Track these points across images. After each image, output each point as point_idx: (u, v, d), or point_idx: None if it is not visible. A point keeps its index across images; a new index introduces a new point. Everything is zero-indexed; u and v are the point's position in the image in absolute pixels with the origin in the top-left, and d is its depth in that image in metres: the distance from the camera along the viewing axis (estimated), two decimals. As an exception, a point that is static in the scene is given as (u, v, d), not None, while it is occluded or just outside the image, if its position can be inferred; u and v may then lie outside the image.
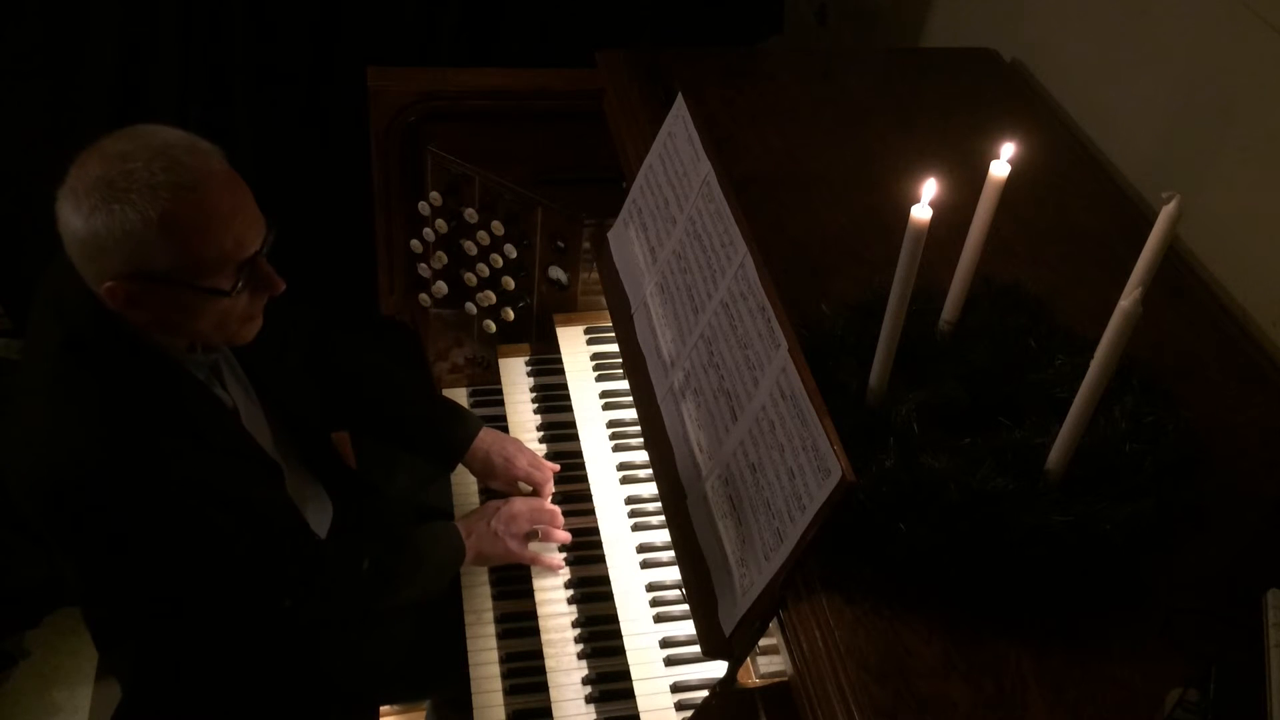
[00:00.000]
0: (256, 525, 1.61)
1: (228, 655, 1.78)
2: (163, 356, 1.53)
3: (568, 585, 1.91)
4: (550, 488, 2.01)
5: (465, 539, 1.85)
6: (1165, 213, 1.22)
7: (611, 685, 1.76)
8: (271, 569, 1.65)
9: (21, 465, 1.50)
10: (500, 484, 2.01)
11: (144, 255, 1.40)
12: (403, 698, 2.26)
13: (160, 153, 1.41)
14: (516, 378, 2.25)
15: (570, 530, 1.97)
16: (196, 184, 1.42)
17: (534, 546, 1.91)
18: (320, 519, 1.94)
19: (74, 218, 1.40)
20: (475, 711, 1.81)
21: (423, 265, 2.43)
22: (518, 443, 2.03)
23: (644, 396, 1.68)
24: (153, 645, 1.76)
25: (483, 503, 2.07)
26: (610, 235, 1.89)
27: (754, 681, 1.49)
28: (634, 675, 1.70)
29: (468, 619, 1.91)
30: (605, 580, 1.82)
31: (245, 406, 1.70)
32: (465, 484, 2.11)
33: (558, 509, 1.95)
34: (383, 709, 2.28)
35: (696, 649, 1.47)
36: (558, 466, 2.05)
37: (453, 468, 2.04)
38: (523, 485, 2.01)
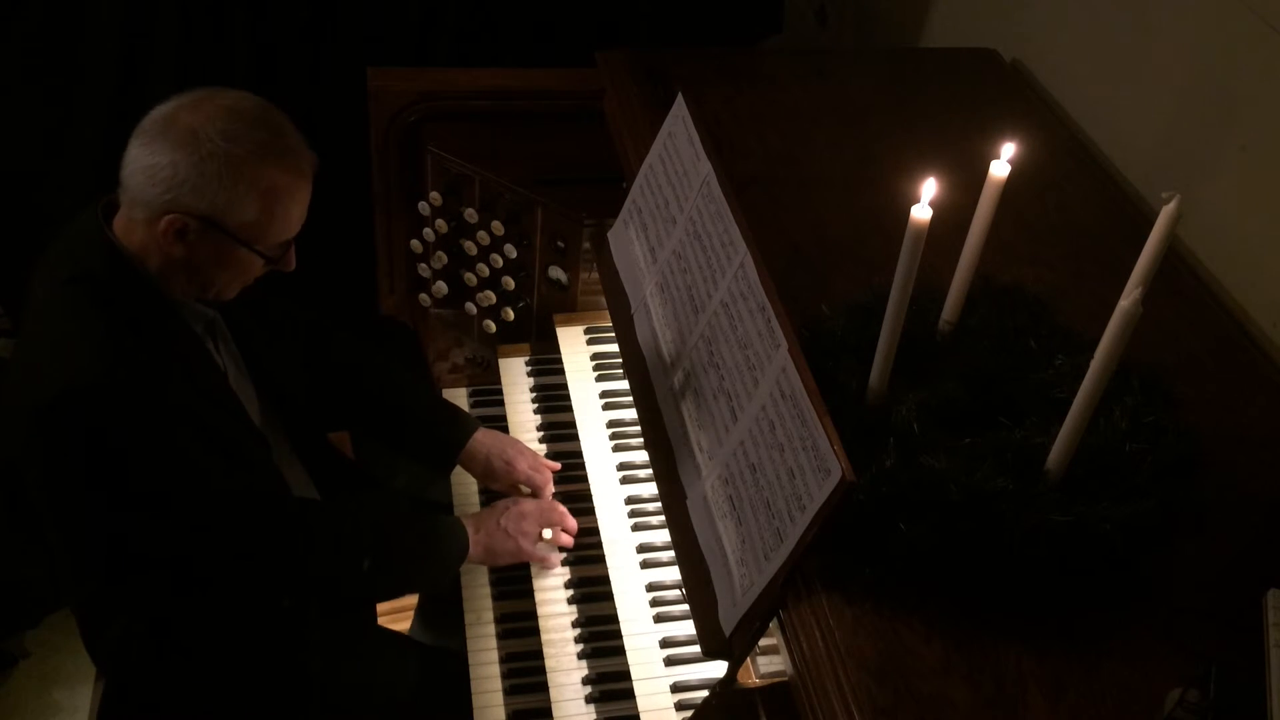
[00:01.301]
0: (242, 470, 1.64)
1: (217, 645, 1.76)
2: (166, 303, 1.59)
3: (568, 585, 1.91)
4: (550, 490, 2.01)
5: (473, 534, 1.84)
6: (1165, 213, 1.22)
7: (611, 685, 1.76)
8: (257, 524, 1.66)
9: (20, 389, 1.54)
10: (501, 487, 2.01)
11: (230, 206, 1.51)
12: (404, 704, 2.26)
13: (280, 128, 1.56)
14: (516, 378, 2.25)
15: (570, 530, 1.98)
16: (303, 171, 1.58)
17: (540, 547, 1.91)
18: None
19: (177, 150, 1.48)
20: (475, 711, 1.80)
21: (423, 265, 2.43)
22: (518, 445, 2.03)
23: (644, 396, 1.67)
24: (138, 631, 1.74)
25: (483, 503, 2.07)
26: (610, 235, 1.90)
27: (754, 681, 1.49)
28: (634, 675, 1.70)
29: (468, 619, 1.90)
30: (605, 580, 1.82)
31: (234, 376, 1.73)
32: (465, 484, 2.11)
33: (566, 510, 1.95)
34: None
35: (696, 649, 1.47)
36: (558, 465, 2.05)
37: (449, 470, 2.03)
38: (523, 487, 2.01)
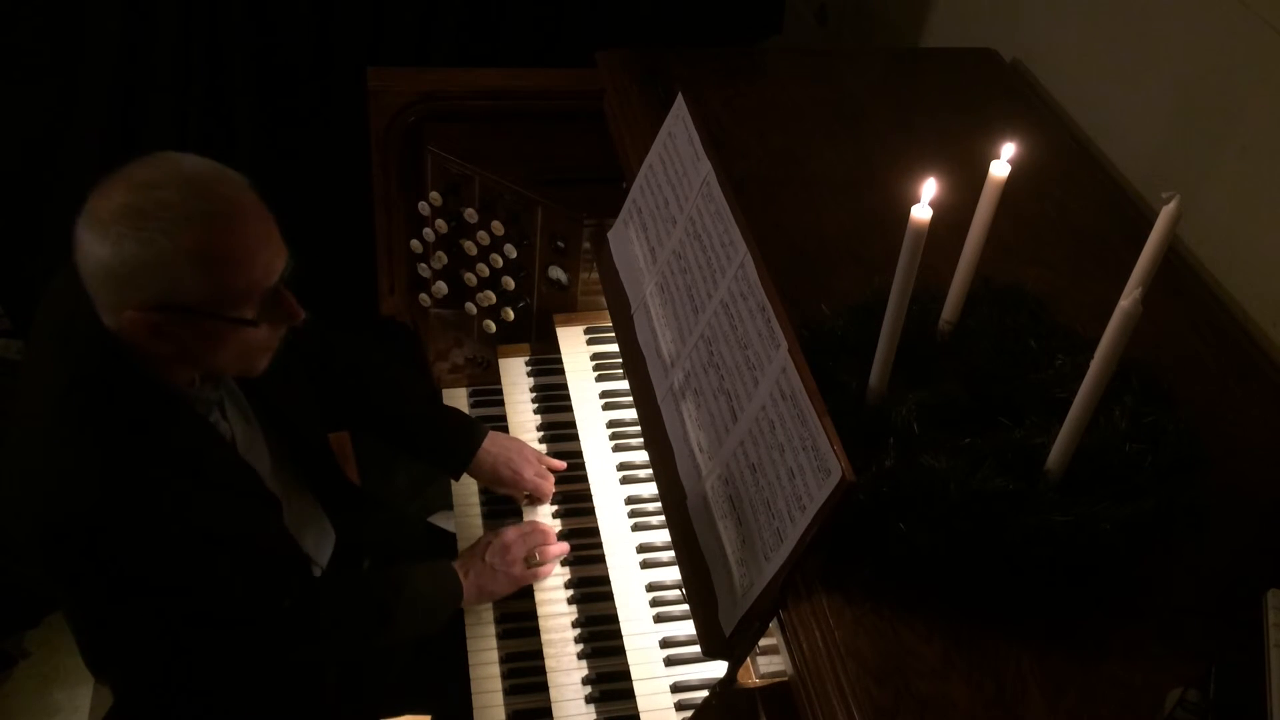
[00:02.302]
0: (252, 563, 1.59)
1: (218, 675, 1.76)
2: (166, 392, 1.50)
3: (568, 585, 1.91)
4: (551, 494, 2.01)
5: (463, 579, 1.84)
6: (1165, 213, 1.22)
7: (611, 685, 1.76)
8: (267, 606, 1.63)
9: (17, 503, 1.47)
10: (505, 493, 2.02)
11: (173, 286, 1.38)
12: (402, 710, 2.26)
13: (190, 181, 1.39)
14: (516, 378, 2.25)
15: (570, 530, 1.98)
16: (231, 214, 1.40)
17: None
18: (322, 545, 1.93)
19: (98, 246, 1.36)
20: (475, 711, 1.81)
21: (423, 265, 2.43)
22: (524, 452, 2.02)
23: (644, 396, 1.67)
24: (147, 674, 1.75)
25: (482, 504, 2.08)
26: (610, 235, 1.89)
27: (754, 681, 1.49)
28: (634, 675, 1.70)
29: (468, 619, 1.90)
30: (605, 580, 1.82)
31: (244, 434, 1.67)
32: (465, 484, 2.10)
33: (549, 528, 1.94)
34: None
35: (696, 649, 1.47)
36: (564, 465, 2.05)
37: (458, 477, 2.03)
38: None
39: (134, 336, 1.42)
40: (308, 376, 1.88)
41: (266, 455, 1.73)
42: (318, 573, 1.90)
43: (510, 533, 1.89)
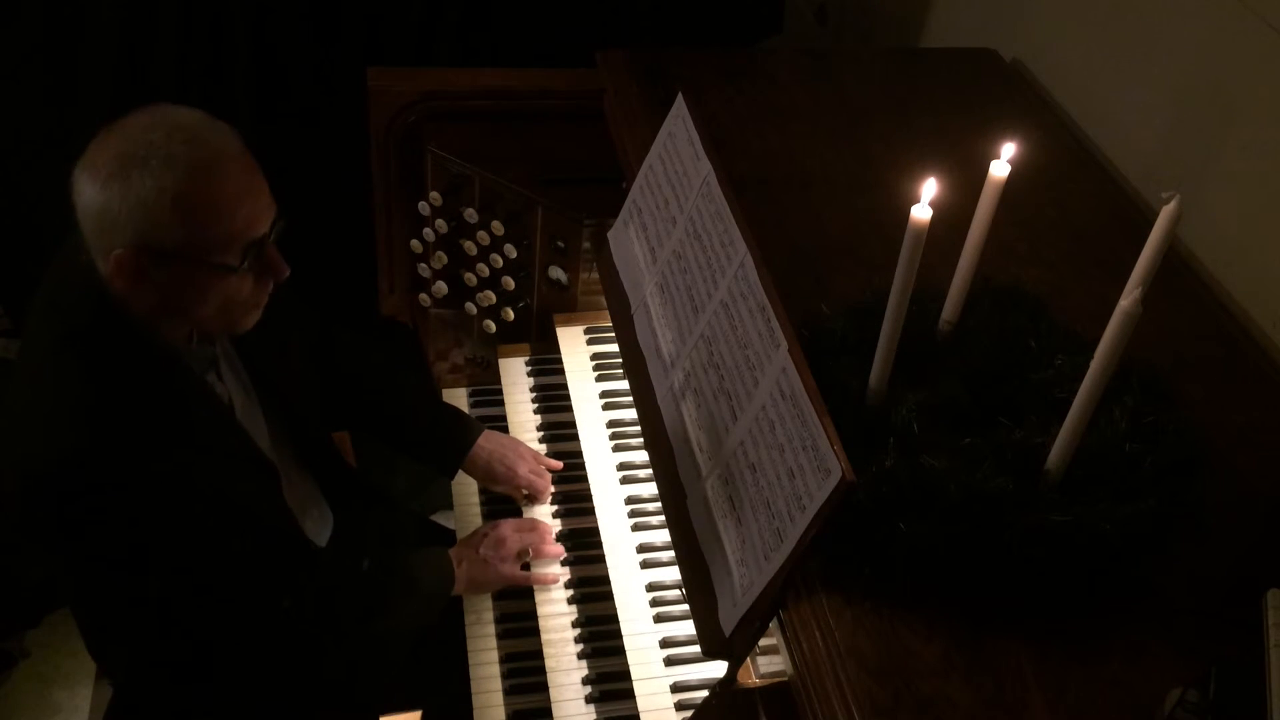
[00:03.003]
0: (247, 528, 1.59)
1: (218, 660, 1.76)
2: (160, 348, 1.53)
3: (568, 585, 1.91)
4: (548, 494, 2.01)
5: (456, 568, 1.83)
6: (1165, 213, 1.22)
7: (611, 685, 1.76)
8: (263, 574, 1.64)
9: (10, 459, 1.49)
10: (502, 490, 2.01)
11: (155, 227, 1.41)
12: (402, 704, 2.26)
13: (179, 127, 1.43)
14: (516, 378, 2.25)
15: (570, 530, 1.97)
16: (214, 160, 1.43)
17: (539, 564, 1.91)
18: (320, 528, 1.93)
19: (89, 187, 1.41)
20: (475, 711, 1.81)
21: (423, 265, 2.43)
22: (519, 449, 2.02)
23: (644, 396, 1.67)
24: (143, 648, 1.75)
25: (482, 503, 2.08)
26: (610, 235, 1.89)
27: (754, 681, 1.49)
28: (634, 675, 1.70)
29: (468, 619, 1.90)
30: (605, 580, 1.82)
31: (242, 402, 1.69)
32: (465, 484, 2.11)
33: (546, 525, 1.94)
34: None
35: (696, 649, 1.47)
36: (560, 465, 2.05)
37: (453, 474, 2.03)
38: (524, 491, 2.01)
39: (122, 283, 1.45)
40: (311, 365, 1.88)
41: (264, 428, 1.74)
42: None
43: (506, 526, 1.89)
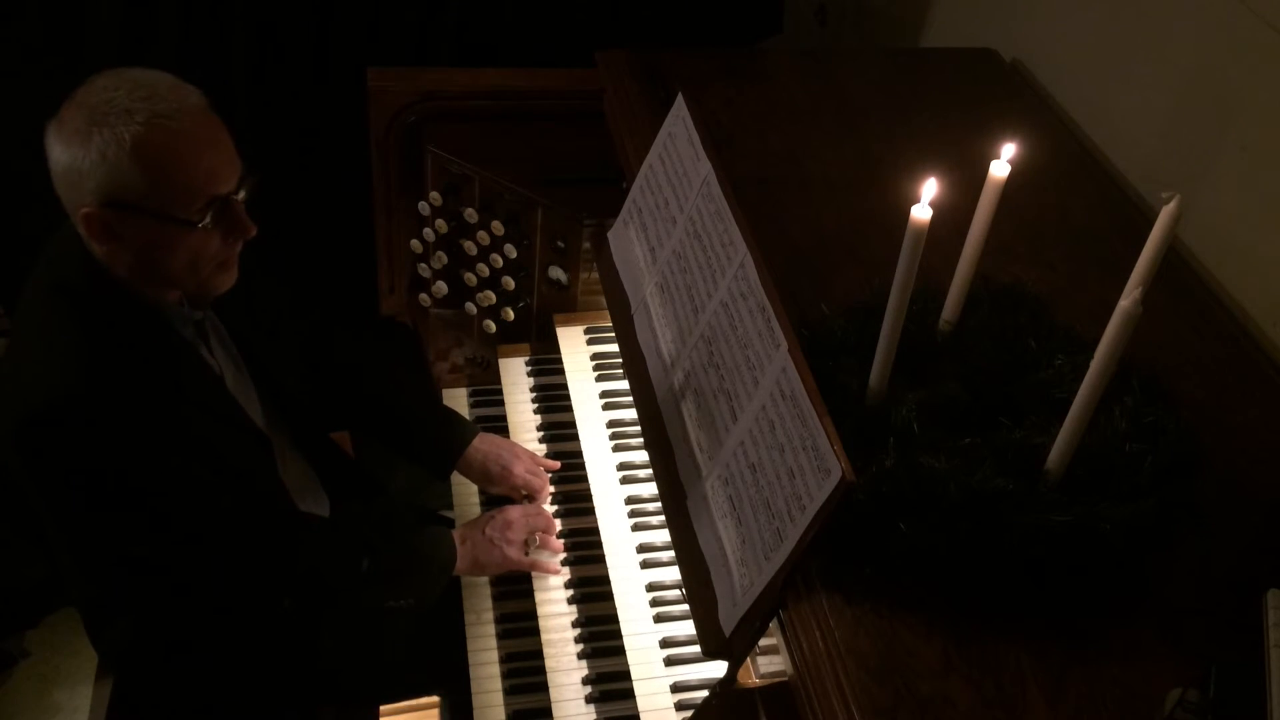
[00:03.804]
0: (239, 490, 1.61)
1: (221, 644, 1.77)
2: (150, 309, 1.56)
3: (568, 585, 1.91)
4: (547, 492, 2.01)
5: (459, 546, 1.84)
6: (1165, 213, 1.22)
7: (611, 685, 1.76)
8: (254, 537, 1.65)
9: (5, 405, 1.52)
10: (499, 492, 2.02)
11: (117, 181, 1.44)
12: (402, 695, 2.27)
13: (140, 84, 1.46)
14: (516, 378, 2.25)
15: (570, 530, 1.98)
16: (172, 113, 1.45)
17: (535, 552, 1.91)
18: (315, 513, 1.94)
19: (56, 146, 1.45)
20: (475, 711, 1.81)
21: (423, 265, 2.43)
22: (515, 449, 2.03)
23: (644, 396, 1.67)
24: (142, 631, 1.75)
25: (482, 504, 2.07)
26: (610, 235, 1.89)
27: (754, 681, 1.49)
28: (634, 675, 1.70)
29: (468, 619, 1.90)
30: (605, 580, 1.82)
31: (233, 376, 1.71)
32: (465, 486, 2.11)
33: (551, 515, 1.95)
34: (383, 708, 2.28)
35: (696, 649, 1.47)
36: (558, 464, 2.05)
37: (447, 474, 2.03)
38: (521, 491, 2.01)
39: (97, 244, 1.49)
40: (305, 359, 1.89)
41: (258, 405, 1.76)
42: None
43: (514, 510, 1.91)
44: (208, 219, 1.49)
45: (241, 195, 1.53)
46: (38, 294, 1.56)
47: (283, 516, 1.72)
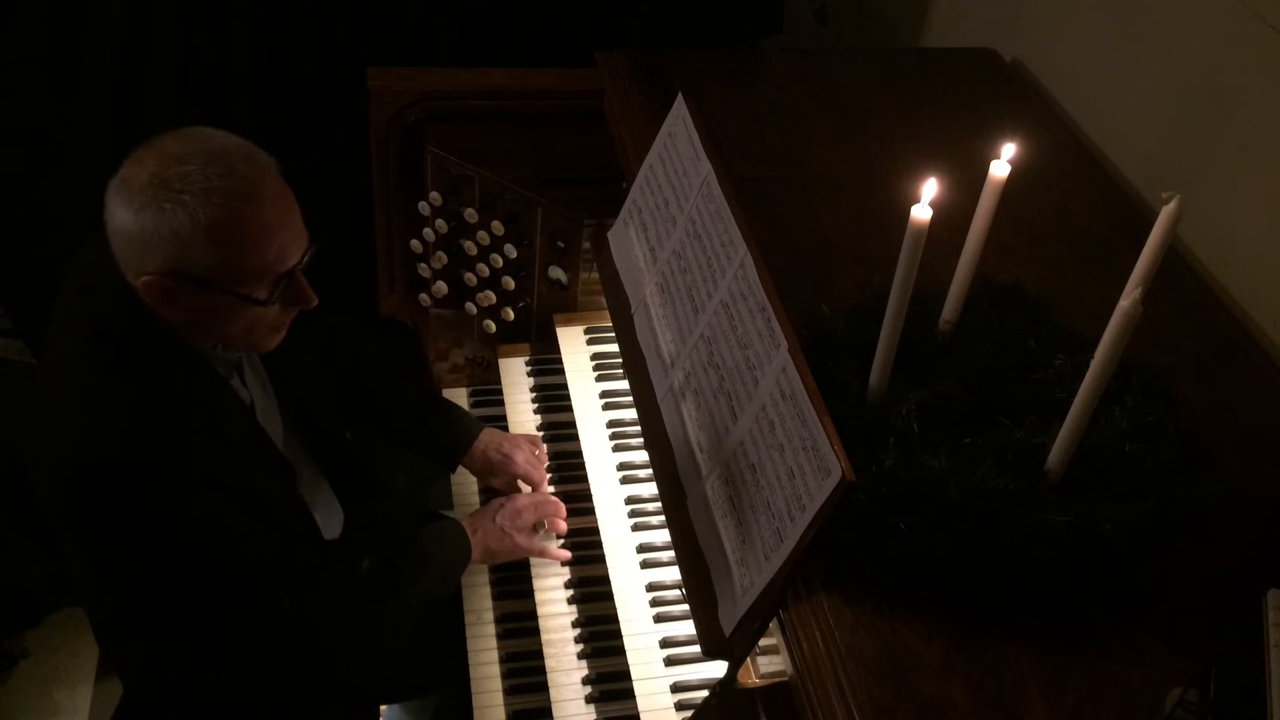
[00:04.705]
0: (266, 521, 1.61)
1: (230, 652, 1.78)
2: (188, 351, 1.54)
3: (568, 585, 1.91)
4: (545, 481, 2.02)
5: (471, 537, 1.85)
6: (1165, 213, 1.22)
7: (611, 685, 1.76)
8: (278, 566, 1.65)
9: (43, 449, 1.51)
10: (500, 482, 2.02)
11: (187, 256, 1.41)
12: (404, 696, 2.27)
13: (217, 158, 1.42)
14: (516, 378, 2.25)
15: (570, 530, 1.98)
16: (249, 194, 1.42)
17: (539, 538, 1.92)
18: (331, 523, 1.93)
19: (123, 211, 1.40)
20: (475, 711, 1.81)
21: (423, 265, 2.43)
22: (514, 437, 2.04)
23: (644, 396, 1.67)
24: (155, 641, 1.76)
25: (483, 502, 2.08)
26: (610, 235, 1.89)
27: (754, 681, 1.49)
28: (634, 675, 1.70)
29: (468, 619, 1.91)
30: (605, 580, 1.82)
31: (261, 403, 1.71)
32: (466, 482, 2.11)
33: (559, 502, 1.96)
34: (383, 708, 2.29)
35: (696, 649, 1.47)
36: (545, 455, 2.06)
37: (453, 468, 2.04)
38: (522, 483, 2.01)
39: (150, 301, 1.46)
40: (322, 361, 1.89)
41: (280, 429, 1.76)
42: None
43: (523, 498, 1.92)
44: (274, 295, 1.49)
45: (303, 264, 1.52)
46: (73, 341, 1.52)
47: (302, 538, 1.72)
